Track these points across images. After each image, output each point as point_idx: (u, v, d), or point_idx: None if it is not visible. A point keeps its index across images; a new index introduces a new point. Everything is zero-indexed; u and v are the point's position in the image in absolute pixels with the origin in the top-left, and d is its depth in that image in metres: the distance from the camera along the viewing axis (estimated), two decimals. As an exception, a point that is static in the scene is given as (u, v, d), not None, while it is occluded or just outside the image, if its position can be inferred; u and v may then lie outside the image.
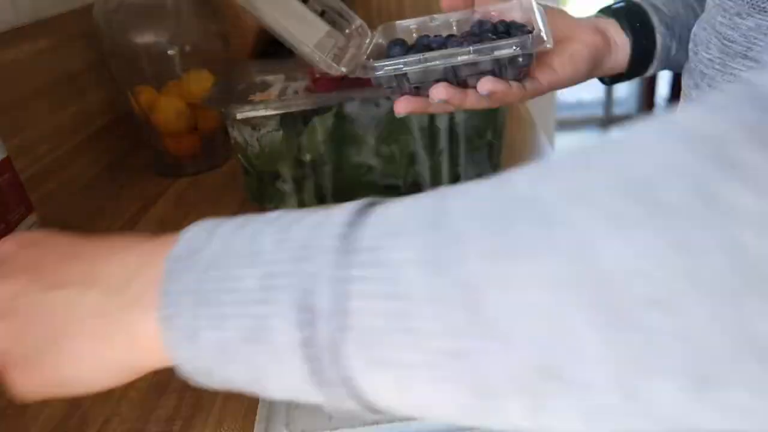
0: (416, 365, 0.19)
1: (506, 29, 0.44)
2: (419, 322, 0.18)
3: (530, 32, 0.41)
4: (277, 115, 0.62)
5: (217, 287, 0.22)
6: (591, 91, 3.52)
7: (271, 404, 0.39)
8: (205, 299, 0.22)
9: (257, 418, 0.38)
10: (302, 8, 0.58)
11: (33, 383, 0.26)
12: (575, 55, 0.44)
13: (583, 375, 0.17)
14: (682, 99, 0.45)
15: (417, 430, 0.36)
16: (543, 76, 0.44)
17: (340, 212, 0.21)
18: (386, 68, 0.41)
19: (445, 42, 0.44)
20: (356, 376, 0.20)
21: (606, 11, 0.48)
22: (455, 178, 0.69)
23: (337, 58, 0.54)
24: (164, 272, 0.24)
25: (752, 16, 0.34)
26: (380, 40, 0.47)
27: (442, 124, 0.65)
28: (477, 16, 0.47)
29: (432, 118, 0.65)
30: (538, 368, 0.17)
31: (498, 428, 0.20)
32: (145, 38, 0.77)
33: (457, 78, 0.42)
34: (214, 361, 0.23)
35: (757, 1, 0.33)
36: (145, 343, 0.24)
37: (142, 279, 0.25)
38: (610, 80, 0.51)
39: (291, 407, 0.38)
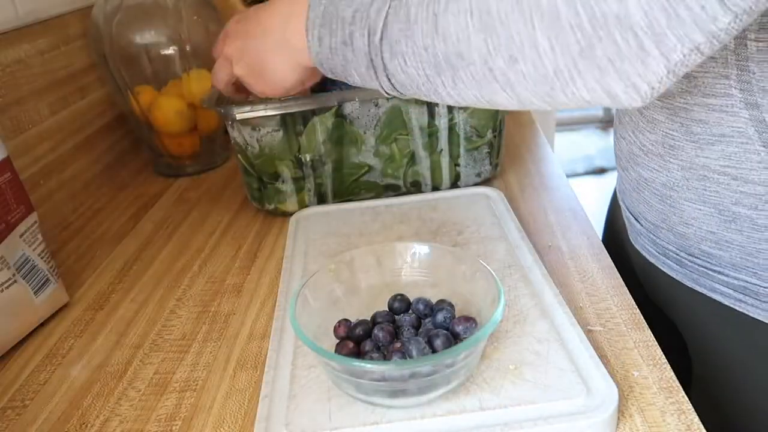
0: (409, 54, 0.38)
1: None
2: (417, 35, 0.37)
3: None
4: (277, 115, 0.62)
5: (331, 13, 0.42)
6: (591, 91, 3.52)
7: (271, 404, 0.39)
8: (327, 21, 0.42)
9: (257, 418, 0.38)
10: None
11: (261, 86, 0.51)
12: None
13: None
14: None
15: (417, 429, 0.36)
16: None
17: None
18: None
19: None
20: (387, 62, 0.40)
21: None
22: (455, 178, 0.69)
23: None
24: (307, 7, 0.44)
25: None
26: None
27: (442, 123, 0.65)
28: None
29: (432, 118, 0.65)
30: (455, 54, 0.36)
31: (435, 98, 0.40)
32: (145, 38, 0.77)
33: None
34: (327, 56, 0.43)
35: None
36: (302, 51, 0.45)
37: (295, 18, 0.45)
38: None
39: (291, 407, 0.38)
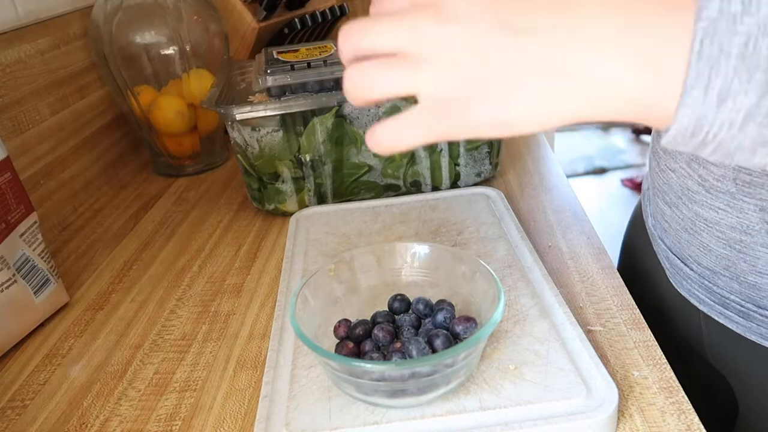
0: None
1: None
2: None
3: None
4: (277, 115, 0.62)
5: (758, 52, 0.21)
6: (591, 91, 3.52)
7: (271, 404, 0.39)
8: (749, 64, 0.22)
9: (257, 418, 0.38)
10: None
11: (479, 119, 0.26)
12: None
13: None
14: None
15: (417, 429, 0.36)
16: None
17: None
18: None
19: None
20: None
21: None
22: (455, 178, 0.69)
23: None
24: (697, 29, 0.22)
25: None
26: None
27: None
28: None
29: (432, 118, 0.65)
30: None
31: None
32: (145, 38, 0.77)
33: None
34: (729, 125, 0.23)
35: None
36: (631, 94, 0.24)
37: (609, 16, 0.24)
38: None
39: (291, 407, 0.38)
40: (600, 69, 0.24)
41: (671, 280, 0.52)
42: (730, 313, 0.46)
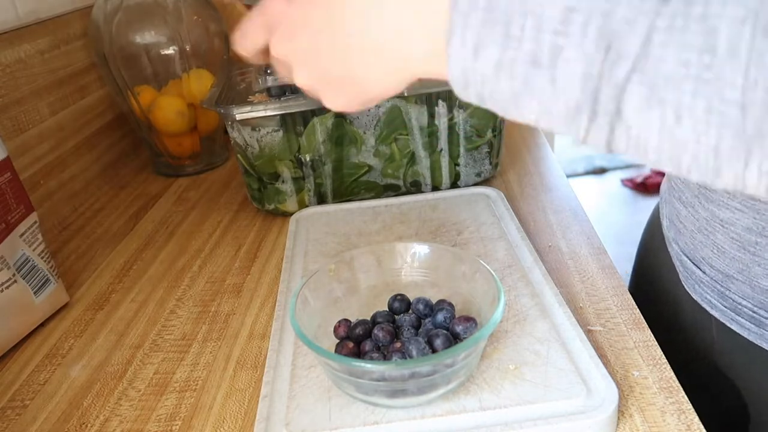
0: (692, 107, 0.21)
1: None
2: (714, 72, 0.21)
3: None
4: (277, 115, 0.62)
5: (503, 6, 0.24)
6: (591, 91, 3.52)
7: (271, 404, 0.39)
8: (495, 19, 0.24)
9: (257, 418, 0.38)
10: None
11: (338, 99, 0.34)
12: None
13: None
14: None
15: (417, 429, 0.36)
16: None
17: None
18: None
19: None
20: (627, 112, 0.23)
21: None
22: (455, 178, 0.69)
23: None
24: None
25: None
26: None
27: (442, 123, 0.65)
28: None
29: (432, 117, 0.65)
30: None
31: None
32: (145, 38, 0.77)
33: None
34: (486, 76, 0.25)
35: None
36: (420, 60, 0.28)
37: (405, 6, 0.28)
38: None
39: (291, 407, 0.38)
40: (399, 44, 0.29)
41: (684, 284, 0.51)
42: (742, 320, 0.45)
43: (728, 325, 0.46)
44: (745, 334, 0.45)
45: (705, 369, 0.41)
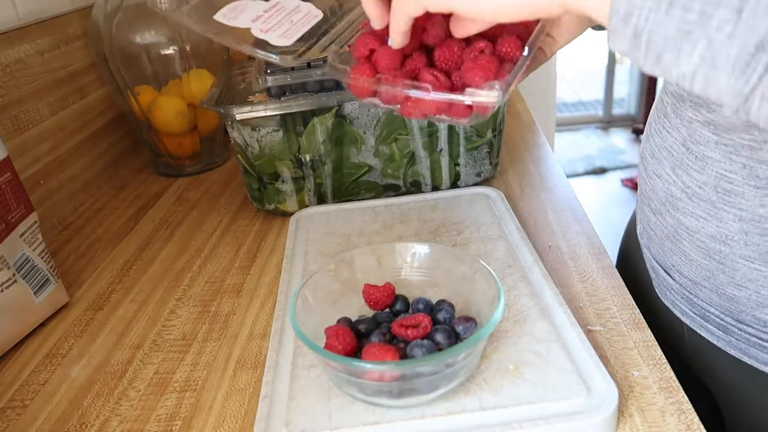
0: None
1: None
2: None
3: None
4: (277, 115, 0.62)
5: None
6: (591, 91, 3.53)
7: (271, 404, 0.39)
8: None
9: (257, 418, 0.38)
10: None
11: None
12: (570, 22, 0.40)
13: None
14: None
15: (417, 429, 0.36)
16: (546, 48, 0.41)
17: None
18: None
19: None
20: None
21: None
22: (455, 178, 0.69)
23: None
24: None
25: None
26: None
27: (442, 123, 0.65)
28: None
29: (432, 118, 0.65)
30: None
31: None
32: (145, 38, 0.77)
33: None
34: (657, 3, 0.25)
35: None
36: None
37: None
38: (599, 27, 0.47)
39: (291, 407, 0.38)
40: None
41: (657, 290, 0.52)
42: (711, 327, 0.45)
43: (698, 331, 0.46)
44: (714, 341, 0.45)
45: (678, 374, 0.41)
